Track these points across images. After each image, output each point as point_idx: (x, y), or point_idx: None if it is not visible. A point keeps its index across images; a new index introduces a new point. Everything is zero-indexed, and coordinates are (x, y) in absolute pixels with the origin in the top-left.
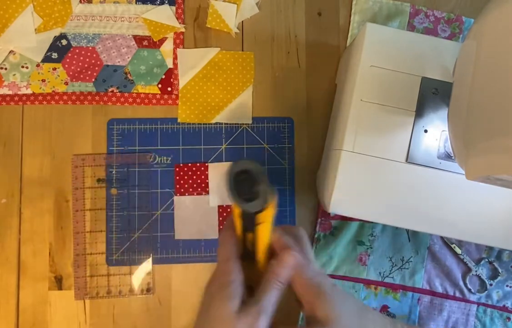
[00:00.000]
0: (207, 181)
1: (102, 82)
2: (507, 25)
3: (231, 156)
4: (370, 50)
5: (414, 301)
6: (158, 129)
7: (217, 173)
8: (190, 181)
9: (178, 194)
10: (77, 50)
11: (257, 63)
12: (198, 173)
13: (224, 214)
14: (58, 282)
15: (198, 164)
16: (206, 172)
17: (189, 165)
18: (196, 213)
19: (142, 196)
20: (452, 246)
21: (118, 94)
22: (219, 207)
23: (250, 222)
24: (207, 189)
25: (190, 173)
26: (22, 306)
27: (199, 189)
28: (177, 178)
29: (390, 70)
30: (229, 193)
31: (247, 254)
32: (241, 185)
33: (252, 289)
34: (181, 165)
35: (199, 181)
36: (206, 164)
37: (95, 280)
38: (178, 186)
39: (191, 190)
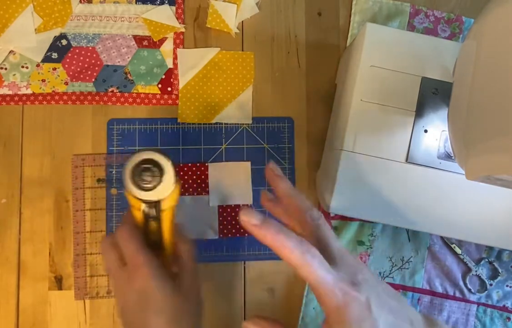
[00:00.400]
0: (207, 181)
1: (102, 82)
2: (507, 25)
3: (231, 156)
4: (370, 50)
5: (414, 301)
6: (158, 129)
7: (218, 173)
8: (190, 181)
9: None
10: (77, 50)
11: (257, 63)
12: (198, 173)
13: (224, 214)
14: (58, 282)
15: (198, 164)
16: (206, 172)
17: (189, 165)
18: (196, 213)
19: None
20: (452, 246)
21: (118, 94)
22: (219, 207)
23: (154, 211)
24: (207, 189)
25: (190, 173)
26: (22, 306)
27: (199, 189)
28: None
29: (390, 70)
30: (130, 186)
31: (151, 244)
32: (141, 176)
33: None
34: (181, 164)
35: (199, 181)
36: (206, 164)
37: (95, 280)
38: None
39: (191, 190)
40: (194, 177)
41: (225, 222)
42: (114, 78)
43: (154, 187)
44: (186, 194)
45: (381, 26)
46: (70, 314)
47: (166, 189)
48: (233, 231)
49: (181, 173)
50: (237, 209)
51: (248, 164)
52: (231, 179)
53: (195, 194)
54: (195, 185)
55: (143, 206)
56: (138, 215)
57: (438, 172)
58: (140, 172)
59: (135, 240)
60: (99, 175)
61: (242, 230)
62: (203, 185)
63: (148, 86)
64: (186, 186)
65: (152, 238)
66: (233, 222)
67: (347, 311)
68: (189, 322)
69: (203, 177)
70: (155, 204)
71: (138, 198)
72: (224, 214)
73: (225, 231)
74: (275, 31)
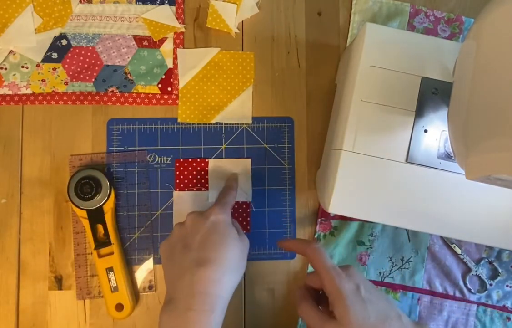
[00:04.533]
0: (207, 176)
1: (102, 82)
2: (507, 25)
3: (231, 156)
4: (370, 50)
5: (414, 301)
6: (158, 129)
7: (218, 169)
8: (190, 176)
9: (177, 189)
10: (77, 50)
11: (257, 63)
12: (198, 168)
13: None
14: (58, 282)
15: (198, 159)
16: (207, 168)
17: (189, 160)
18: (195, 208)
19: (141, 195)
20: (452, 246)
21: (118, 94)
22: None
23: (98, 215)
24: (207, 185)
25: (190, 168)
26: (22, 306)
27: (199, 185)
28: (177, 173)
29: (390, 70)
30: (76, 200)
31: (99, 244)
32: (82, 189)
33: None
34: (182, 160)
35: (199, 177)
36: (207, 160)
37: (96, 280)
38: (178, 181)
39: (190, 185)
40: (194, 172)
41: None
42: (114, 78)
43: (95, 196)
44: (186, 189)
45: (381, 26)
46: (70, 314)
47: (105, 195)
48: None
49: (181, 168)
50: (236, 206)
51: (249, 161)
52: None
53: (194, 189)
54: (194, 180)
55: (87, 214)
56: (85, 223)
57: (438, 171)
58: (81, 187)
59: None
60: None
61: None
62: (203, 181)
63: (148, 86)
64: (186, 181)
65: (100, 239)
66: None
67: (343, 289)
68: (239, 271)
69: (203, 172)
70: (99, 210)
71: (83, 208)
72: None
73: None
74: (275, 31)
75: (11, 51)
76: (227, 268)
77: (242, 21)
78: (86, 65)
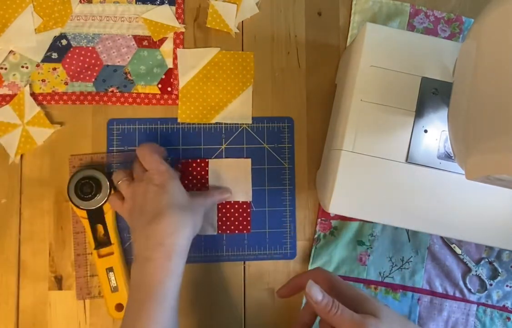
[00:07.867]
0: (207, 177)
1: (102, 82)
2: (507, 25)
3: (231, 156)
4: (370, 50)
5: (414, 301)
6: (158, 129)
7: (218, 169)
8: (190, 177)
9: None
10: (77, 50)
11: (257, 63)
12: (198, 168)
13: (223, 210)
14: (58, 282)
15: (198, 160)
16: (207, 168)
17: (189, 160)
18: None
19: None
20: (452, 246)
21: (118, 94)
22: (219, 203)
23: (98, 215)
24: (207, 185)
25: (190, 168)
26: (22, 306)
27: (199, 185)
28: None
29: (390, 70)
30: (76, 200)
31: (99, 244)
32: (82, 189)
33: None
34: (181, 160)
35: (199, 177)
36: (207, 160)
37: (96, 280)
38: None
39: (190, 185)
40: (194, 173)
41: (224, 218)
42: (114, 78)
43: (95, 196)
44: (186, 189)
45: (381, 26)
46: (70, 314)
47: (105, 195)
48: (232, 227)
49: (181, 169)
50: (236, 205)
51: (249, 161)
52: (231, 175)
53: (194, 189)
54: (195, 181)
55: (87, 214)
56: (85, 223)
57: (438, 172)
58: (81, 187)
59: (157, 155)
60: None
61: (241, 227)
62: (203, 181)
63: (148, 86)
64: (186, 181)
65: (100, 239)
66: (232, 218)
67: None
68: (190, 223)
69: (203, 172)
70: (99, 210)
71: (83, 208)
72: (224, 210)
73: (224, 227)
74: (275, 31)
75: (11, 51)
76: (178, 221)
77: (242, 21)
78: (86, 65)
